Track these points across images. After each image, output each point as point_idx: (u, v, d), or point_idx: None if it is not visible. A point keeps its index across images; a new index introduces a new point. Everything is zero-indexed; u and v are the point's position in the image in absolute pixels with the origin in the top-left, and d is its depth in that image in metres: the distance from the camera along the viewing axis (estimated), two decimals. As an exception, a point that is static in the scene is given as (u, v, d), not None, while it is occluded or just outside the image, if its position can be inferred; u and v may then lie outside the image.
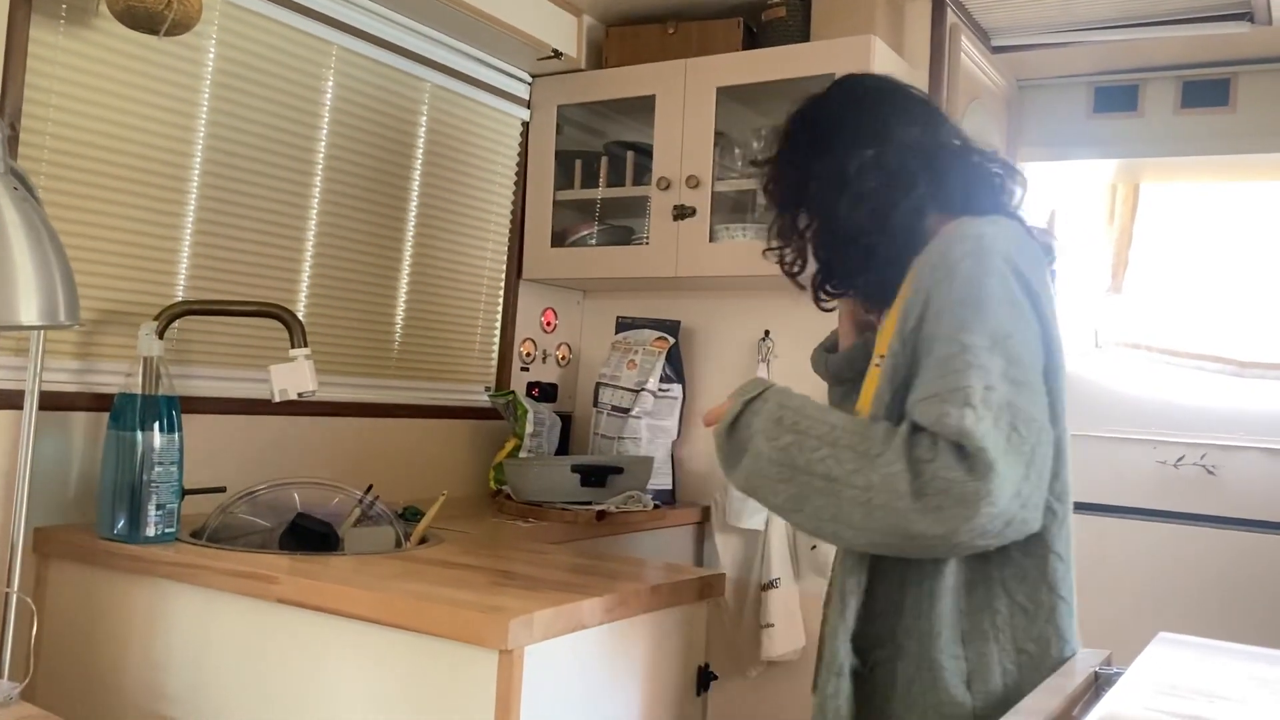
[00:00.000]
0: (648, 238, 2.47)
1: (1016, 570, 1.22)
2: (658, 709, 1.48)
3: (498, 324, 2.63)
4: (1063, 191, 3.16)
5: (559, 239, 2.62)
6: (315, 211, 2.15)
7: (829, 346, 1.60)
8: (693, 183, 2.39)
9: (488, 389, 2.60)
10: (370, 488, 1.81)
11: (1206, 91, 2.80)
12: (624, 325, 2.63)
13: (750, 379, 1.29)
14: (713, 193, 2.38)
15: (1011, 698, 1.16)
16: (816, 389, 1.47)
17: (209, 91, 1.93)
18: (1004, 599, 1.21)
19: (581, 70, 2.56)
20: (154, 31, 1.65)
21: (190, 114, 1.90)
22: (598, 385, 2.56)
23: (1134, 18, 2.44)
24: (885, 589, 1.26)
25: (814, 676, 1.33)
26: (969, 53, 2.52)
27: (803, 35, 2.38)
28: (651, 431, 2.49)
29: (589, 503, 2.20)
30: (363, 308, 2.27)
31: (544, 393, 2.66)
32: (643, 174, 2.54)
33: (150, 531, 1.59)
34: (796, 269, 1.46)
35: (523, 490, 2.23)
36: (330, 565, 1.48)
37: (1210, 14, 2.36)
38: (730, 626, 2.45)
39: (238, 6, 1.96)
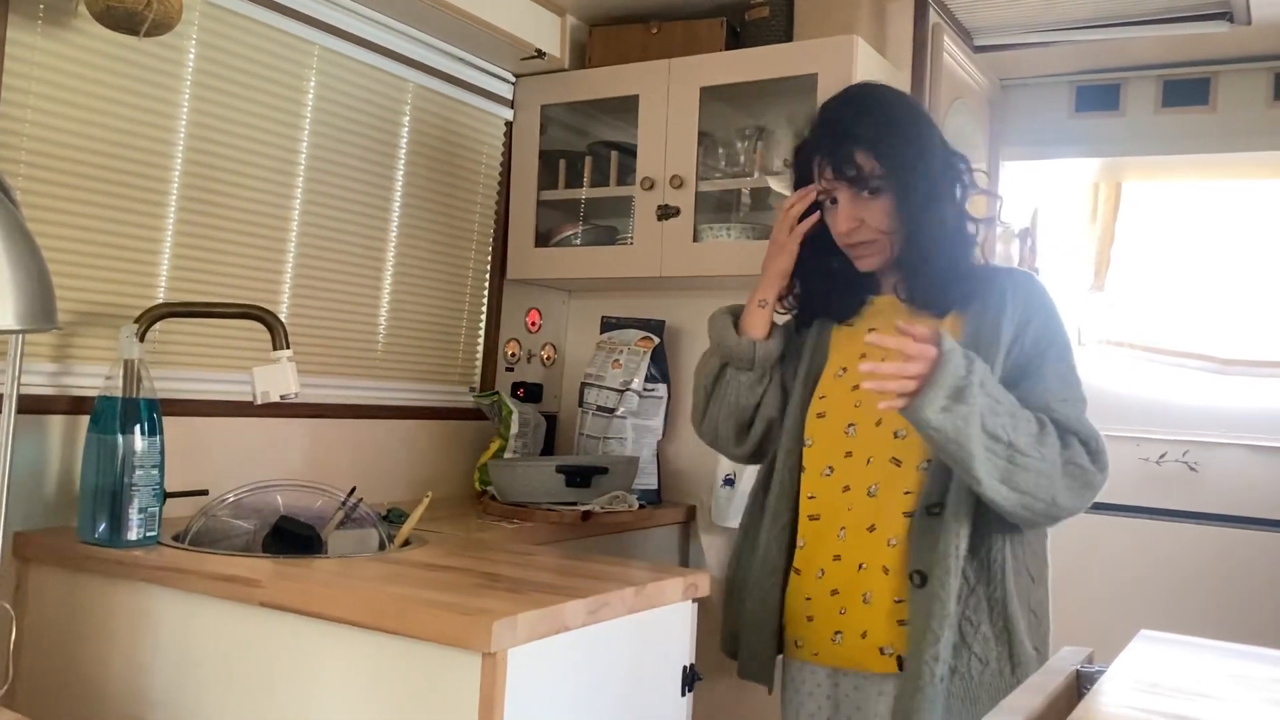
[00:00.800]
0: (632, 238, 2.47)
1: (1027, 545, 1.52)
2: (642, 710, 1.48)
3: (482, 324, 2.63)
4: (1046, 190, 3.18)
5: (543, 239, 2.62)
6: (298, 212, 2.13)
7: (735, 313, 1.69)
8: (676, 183, 2.39)
9: (472, 389, 2.59)
10: (353, 490, 1.81)
11: (1187, 91, 2.81)
12: (609, 325, 2.62)
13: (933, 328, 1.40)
14: (697, 192, 2.38)
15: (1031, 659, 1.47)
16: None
17: (189, 92, 1.92)
18: (1023, 570, 1.51)
19: (565, 70, 2.55)
20: (134, 32, 1.63)
21: (171, 115, 1.89)
22: (583, 385, 2.55)
23: (1115, 17, 2.45)
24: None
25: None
26: (951, 52, 2.52)
27: (786, 35, 2.39)
28: (637, 431, 2.49)
29: (574, 503, 2.19)
30: (346, 308, 2.26)
31: (529, 393, 2.66)
32: (627, 174, 2.54)
33: (132, 535, 1.58)
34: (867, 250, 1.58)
35: (507, 491, 2.23)
36: (313, 568, 1.48)
37: (1190, 14, 2.38)
38: (716, 626, 2.45)
39: (218, 7, 1.94)
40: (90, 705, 1.54)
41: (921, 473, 1.51)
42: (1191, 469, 2.93)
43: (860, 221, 1.56)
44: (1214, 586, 2.84)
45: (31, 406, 1.66)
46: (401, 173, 2.37)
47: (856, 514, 1.55)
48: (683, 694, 1.55)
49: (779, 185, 2.37)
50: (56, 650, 1.59)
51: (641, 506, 2.32)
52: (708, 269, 2.37)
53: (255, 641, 1.39)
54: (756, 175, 2.40)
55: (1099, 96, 2.92)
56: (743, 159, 2.44)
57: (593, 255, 2.54)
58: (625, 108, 2.52)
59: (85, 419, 1.63)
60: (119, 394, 1.60)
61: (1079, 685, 1.07)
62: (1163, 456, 2.95)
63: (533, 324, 2.74)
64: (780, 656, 1.65)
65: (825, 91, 2.12)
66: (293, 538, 1.70)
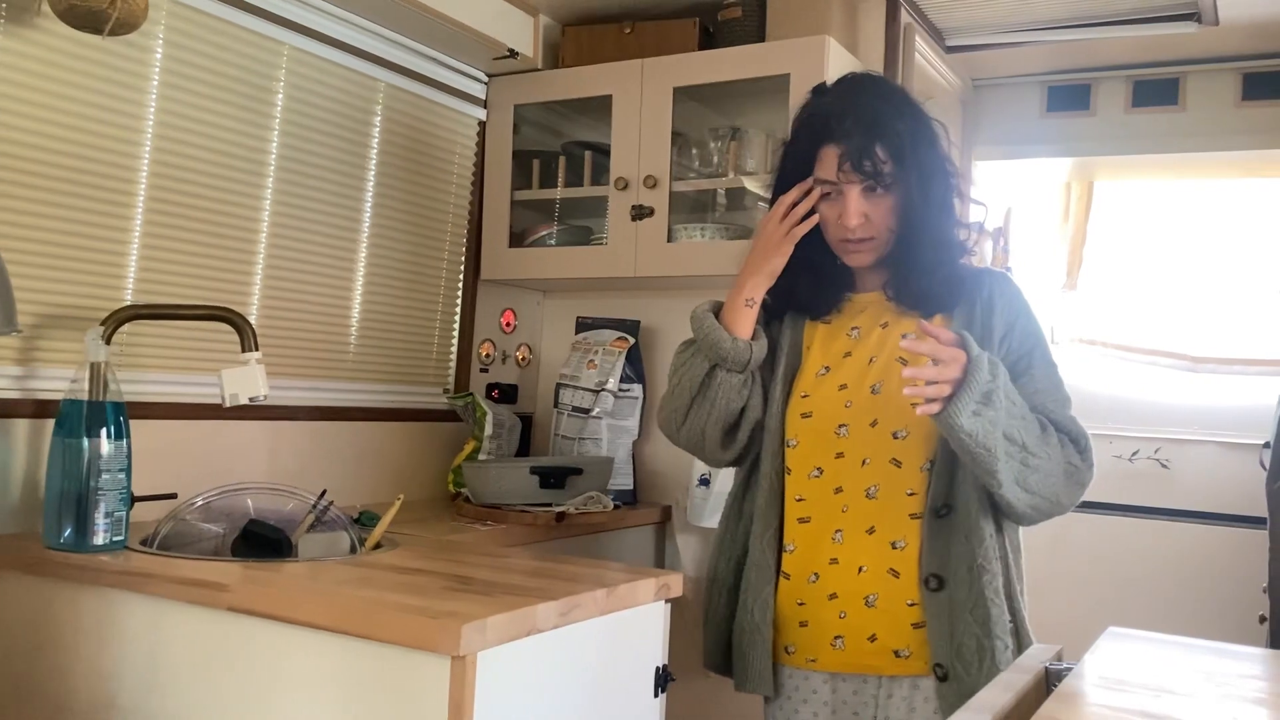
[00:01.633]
0: (606, 238, 2.46)
1: (1012, 538, 1.54)
2: (615, 712, 1.48)
3: (456, 325, 2.61)
4: (1018, 190, 3.20)
5: (517, 239, 2.61)
6: (267, 213, 2.12)
7: (715, 309, 1.61)
8: (650, 183, 2.38)
9: (446, 391, 2.58)
10: (324, 493, 1.79)
11: (1156, 91, 2.84)
12: (584, 325, 2.62)
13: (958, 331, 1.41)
14: (670, 193, 2.38)
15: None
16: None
17: (156, 92, 1.90)
18: (1016, 563, 1.54)
19: (538, 70, 2.55)
20: (98, 31, 1.62)
21: (137, 115, 1.87)
22: (558, 386, 2.55)
23: (1085, 18, 2.47)
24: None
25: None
26: (923, 53, 2.53)
27: (758, 35, 2.39)
28: (612, 432, 2.49)
29: (549, 505, 2.19)
30: (317, 310, 2.24)
31: (504, 394, 2.65)
32: (601, 174, 2.53)
33: (98, 540, 1.56)
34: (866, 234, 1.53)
35: (481, 493, 2.22)
36: (283, 572, 1.46)
37: (1159, 14, 2.40)
38: (692, 626, 2.45)
39: (185, 6, 1.93)
40: (55, 713, 1.52)
41: (925, 474, 1.50)
42: (1163, 466, 2.95)
43: (865, 217, 1.51)
44: (1185, 582, 2.86)
45: (-5, 410, 1.64)
46: (373, 173, 2.35)
47: (853, 516, 1.52)
48: (655, 695, 1.54)
49: (754, 185, 2.38)
50: (20, 657, 1.56)
51: (617, 507, 2.32)
52: (682, 269, 2.37)
53: (223, 646, 1.37)
54: (731, 175, 2.40)
55: (1070, 96, 2.94)
56: (716, 159, 2.44)
57: (567, 255, 2.54)
58: (599, 108, 2.52)
59: (50, 423, 1.61)
60: (85, 397, 1.58)
61: (1048, 682, 1.08)
62: (1135, 454, 2.97)
63: (507, 324, 2.74)
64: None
65: (798, 91, 2.13)
66: (262, 541, 1.68)
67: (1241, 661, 1.11)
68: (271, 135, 2.11)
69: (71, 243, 1.78)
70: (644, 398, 2.54)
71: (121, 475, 1.59)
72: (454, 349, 2.61)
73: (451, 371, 2.61)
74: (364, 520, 1.94)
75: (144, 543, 1.63)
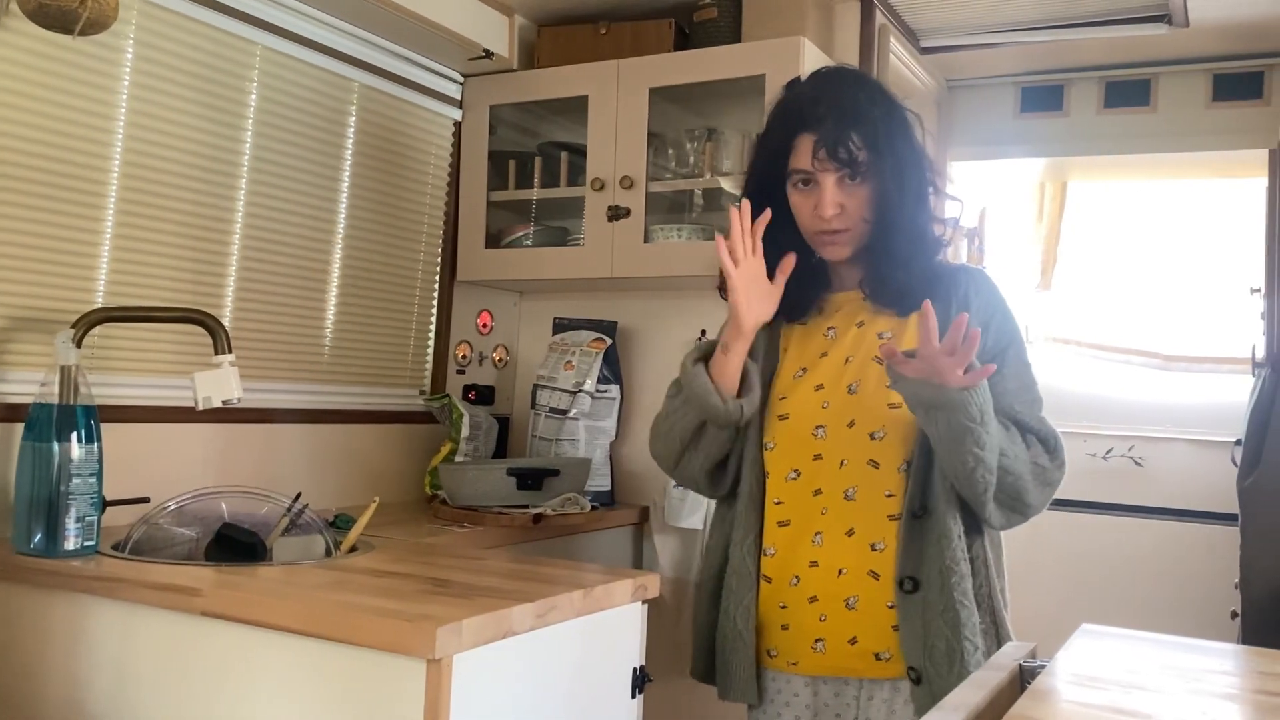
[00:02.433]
0: (583, 238, 2.46)
1: (993, 538, 1.54)
2: (592, 713, 1.47)
3: (432, 326, 2.60)
4: (992, 190, 3.22)
5: (494, 240, 2.60)
6: (241, 214, 2.10)
7: (703, 356, 1.56)
8: (627, 183, 2.38)
9: (422, 392, 2.57)
10: (299, 496, 1.78)
11: (1128, 91, 2.86)
12: (561, 326, 2.61)
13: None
14: (647, 193, 2.38)
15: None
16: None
17: (127, 92, 1.88)
18: (995, 563, 1.53)
19: (514, 70, 2.54)
20: (68, 31, 1.60)
21: (108, 115, 1.85)
22: (535, 387, 2.54)
23: (1058, 19, 2.49)
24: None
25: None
26: (898, 54, 2.54)
27: (734, 36, 2.39)
28: (590, 433, 2.49)
29: (525, 506, 2.18)
30: (292, 312, 2.23)
31: (481, 395, 2.64)
32: (577, 174, 2.53)
33: (69, 545, 1.54)
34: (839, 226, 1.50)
35: (458, 495, 2.21)
36: (257, 576, 1.45)
37: (1130, 16, 2.42)
38: (670, 627, 2.45)
39: (157, 6, 1.91)
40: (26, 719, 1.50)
41: (902, 475, 1.48)
42: (1136, 464, 2.98)
43: (841, 208, 1.49)
44: (1159, 579, 2.89)
45: (-37, 414, 1.62)
46: (348, 174, 2.34)
47: (832, 518, 1.50)
48: (633, 696, 1.54)
49: (730, 185, 2.38)
50: (-9, 664, 1.55)
51: (594, 508, 2.32)
52: (658, 270, 2.37)
53: (196, 652, 1.36)
54: (708, 176, 2.40)
55: (1043, 97, 2.96)
56: (692, 159, 2.44)
57: (544, 256, 2.53)
58: (575, 108, 2.52)
59: (20, 427, 1.59)
60: (55, 401, 1.57)
61: (1022, 680, 1.08)
62: (1109, 452, 3.00)
63: (484, 326, 2.73)
64: None
65: (773, 92, 2.12)
66: (236, 545, 1.67)
67: (1213, 657, 1.12)
68: (245, 136, 2.10)
69: (41, 244, 1.76)
70: (621, 398, 2.54)
71: (93, 479, 1.58)
72: (430, 350, 2.60)
73: (428, 373, 2.60)
74: (340, 523, 1.93)
75: (116, 547, 1.62)
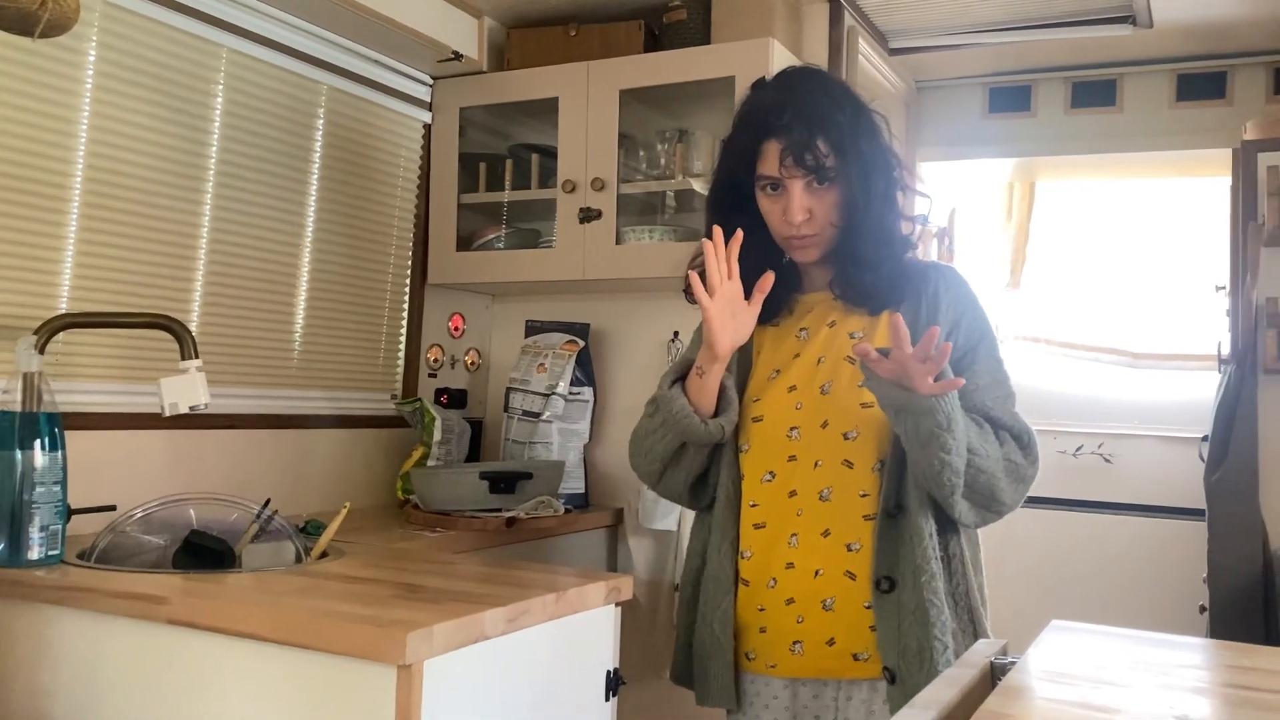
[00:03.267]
0: (555, 240, 2.45)
1: (970, 536, 1.53)
2: (565, 716, 1.47)
3: (403, 330, 2.59)
4: (962, 190, 3.24)
5: (465, 243, 2.59)
6: (208, 218, 2.08)
7: (680, 375, 1.55)
8: (598, 185, 2.38)
9: (394, 396, 2.55)
10: (268, 502, 1.76)
11: (1094, 92, 2.89)
12: (533, 329, 2.60)
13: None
14: (618, 195, 2.38)
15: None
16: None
17: (90, 95, 1.86)
18: (973, 561, 1.53)
19: (483, 72, 2.53)
20: (28, 33, 1.57)
21: (70, 119, 1.83)
22: (508, 390, 2.53)
23: (1024, 20, 2.51)
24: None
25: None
26: (867, 55, 2.56)
27: (703, 38, 2.39)
28: (563, 435, 2.48)
29: (498, 510, 2.17)
30: (260, 316, 2.21)
31: (453, 399, 2.63)
32: (548, 176, 2.52)
33: (33, 554, 1.52)
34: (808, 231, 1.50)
35: (430, 499, 2.20)
36: (225, 583, 1.44)
37: (1095, 17, 2.44)
38: (645, 629, 2.45)
39: (119, 8, 1.89)
40: (-10, 733, 1.48)
41: (876, 474, 1.48)
42: (1106, 461, 3.01)
43: (810, 213, 1.49)
44: (1129, 574, 2.92)
45: (-77, 423, 1.59)
46: (316, 177, 2.32)
47: (808, 519, 1.50)
48: (607, 699, 1.54)
49: (701, 187, 2.38)
50: (-46, 677, 1.52)
51: (568, 511, 2.31)
52: (630, 272, 2.36)
53: (163, 661, 1.34)
54: (679, 178, 2.40)
55: (1011, 98, 2.99)
56: (663, 161, 2.44)
57: (516, 259, 2.52)
58: (545, 110, 2.51)
59: (-19, 435, 1.57)
60: (17, 408, 1.54)
61: (993, 677, 1.09)
62: (1079, 449, 3.02)
63: (456, 329, 2.71)
64: None
65: (742, 93, 2.13)
66: (205, 552, 1.65)
67: (1181, 651, 1.13)
68: (211, 139, 2.08)
69: (2, 250, 1.74)
70: (595, 401, 2.54)
71: (57, 488, 1.55)
72: (401, 354, 2.59)
73: (399, 377, 2.58)
74: (310, 529, 1.91)
75: (81, 556, 1.60)
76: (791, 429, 1.52)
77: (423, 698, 1.18)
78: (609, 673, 1.55)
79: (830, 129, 1.46)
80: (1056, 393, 3.10)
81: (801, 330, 1.59)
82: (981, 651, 1.16)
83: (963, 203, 3.22)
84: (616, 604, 1.56)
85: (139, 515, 1.71)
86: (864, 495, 1.48)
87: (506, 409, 2.52)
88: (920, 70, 2.96)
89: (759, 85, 1.59)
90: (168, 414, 1.69)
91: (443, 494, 2.18)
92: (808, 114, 1.46)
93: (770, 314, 1.59)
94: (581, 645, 1.50)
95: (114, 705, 1.38)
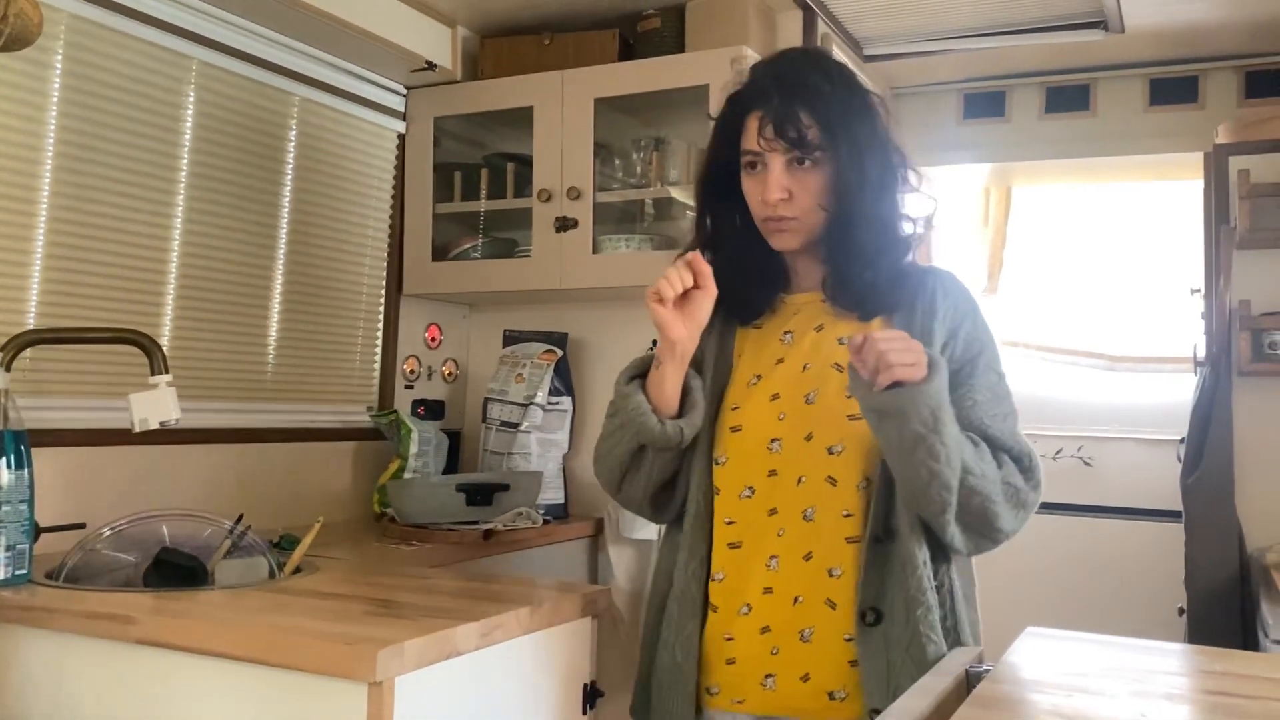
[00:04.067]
0: (531, 250, 2.44)
1: (962, 565, 1.40)
2: (542, 731, 1.46)
3: (379, 341, 2.57)
4: (938, 196, 3.24)
5: (441, 253, 2.58)
6: (179, 231, 2.06)
7: (639, 372, 1.43)
8: (574, 194, 2.37)
9: (370, 409, 2.53)
10: (241, 517, 1.74)
11: (1068, 97, 2.91)
12: (511, 339, 2.59)
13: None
14: (594, 204, 2.37)
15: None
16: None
17: (57, 109, 1.84)
18: (964, 592, 1.39)
19: (457, 82, 2.52)
20: (-10, 46, 1.56)
21: (37, 133, 1.81)
22: (486, 400, 2.52)
23: (997, 26, 2.52)
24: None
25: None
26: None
27: (678, 46, 2.39)
28: (542, 445, 2.46)
29: (476, 522, 2.16)
30: (233, 329, 2.19)
31: (430, 410, 2.61)
32: (524, 185, 2.51)
33: None
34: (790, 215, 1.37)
35: (406, 512, 2.18)
36: (196, 601, 1.42)
37: (1067, 22, 2.45)
38: (625, 640, 2.43)
39: (85, 20, 1.87)
40: (-43, 757, 1.45)
41: (861, 493, 1.34)
42: (1086, 464, 3.02)
43: (789, 193, 1.35)
44: (1109, 576, 2.92)
45: (-113, 442, 1.56)
46: (289, 188, 2.31)
47: (789, 540, 1.35)
48: (584, 711, 1.52)
49: (679, 194, 2.38)
50: (-81, 700, 1.49)
51: (547, 522, 2.30)
52: (607, 280, 2.36)
53: (132, 681, 1.32)
54: (656, 186, 2.40)
55: (986, 104, 3.00)
56: (640, 169, 2.44)
57: (492, 268, 2.51)
58: (520, 119, 2.50)
59: (-54, 454, 1.54)
60: (-18, 426, 1.52)
61: (968, 685, 1.08)
62: (1059, 453, 3.03)
63: (432, 340, 2.70)
64: None
65: (717, 101, 2.12)
66: (176, 570, 1.63)
67: (1157, 657, 1.13)
68: (182, 151, 2.06)
69: (-32, 266, 1.72)
70: (573, 410, 2.53)
71: (23, 506, 1.53)
72: (377, 366, 2.57)
73: (375, 389, 2.57)
74: (284, 544, 1.89)
75: (50, 575, 1.57)
76: (773, 441, 1.38)
77: (394, 714, 1.17)
78: (586, 685, 1.54)
79: (815, 100, 1.34)
80: (1035, 396, 3.10)
81: (786, 333, 1.44)
82: (957, 659, 1.15)
83: (939, 208, 3.22)
84: (594, 616, 1.55)
85: (109, 533, 1.69)
86: (847, 515, 1.34)
87: (485, 420, 2.51)
88: (895, 77, 2.97)
89: (755, 65, 1.48)
90: (138, 430, 1.67)
91: (419, 507, 2.17)
92: (791, 83, 1.35)
93: (750, 313, 1.47)
94: (558, 658, 1.49)
95: (82, 727, 1.36)
